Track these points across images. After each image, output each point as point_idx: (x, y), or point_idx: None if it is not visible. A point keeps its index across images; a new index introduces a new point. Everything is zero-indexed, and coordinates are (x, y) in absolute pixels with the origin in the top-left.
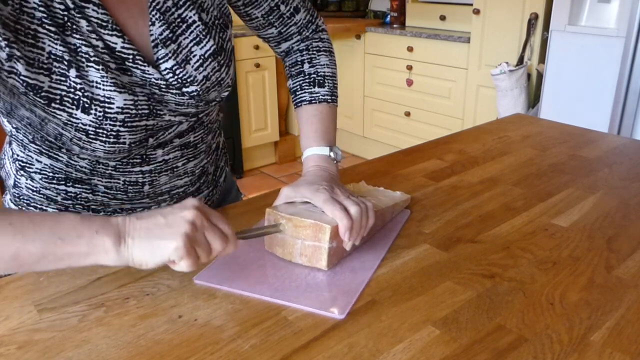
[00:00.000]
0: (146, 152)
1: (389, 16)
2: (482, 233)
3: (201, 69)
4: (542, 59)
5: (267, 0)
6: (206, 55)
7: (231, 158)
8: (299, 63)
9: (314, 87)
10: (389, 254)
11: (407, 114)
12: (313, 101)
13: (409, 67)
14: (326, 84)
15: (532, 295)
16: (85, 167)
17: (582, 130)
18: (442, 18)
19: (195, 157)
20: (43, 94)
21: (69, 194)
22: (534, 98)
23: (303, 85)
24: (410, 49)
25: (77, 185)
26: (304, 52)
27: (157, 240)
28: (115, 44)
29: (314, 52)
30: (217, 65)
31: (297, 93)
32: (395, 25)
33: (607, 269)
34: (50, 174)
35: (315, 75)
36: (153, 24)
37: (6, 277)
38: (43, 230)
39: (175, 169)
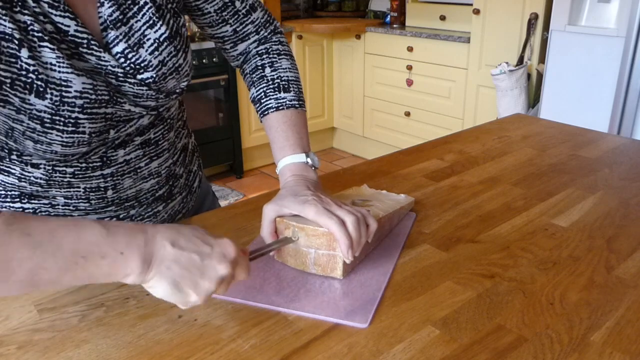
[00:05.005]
0: (106, 153)
1: (389, 16)
2: (482, 233)
3: (156, 52)
4: (542, 59)
5: None
6: (161, 39)
7: (231, 158)
8: (260, 68)
9: (280, 93)
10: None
11: (407, 114)
12: (280, 107)
13: (409, 67)
14: (291, 89)
15: (532, 295)
16: (41, 178)
17: (582, 130)
18: (442, 18)
19: (157, 156)
20: None
21: (26, 211)
22: (534, 98)
23: (267, 91)
24: (410, 49)
25: (33, 201)
26: (264, 56)
27: (182, 282)
28: (68, 26)
29: (274, 55)
30: (173, 50)
31: (262, 101)
32: (395, 25)
33: (607, 269)
34: (3, 192)
35: (279, 80)
36: (102, 4)
37: None
38: (65, 246)
39: (138, 170)
